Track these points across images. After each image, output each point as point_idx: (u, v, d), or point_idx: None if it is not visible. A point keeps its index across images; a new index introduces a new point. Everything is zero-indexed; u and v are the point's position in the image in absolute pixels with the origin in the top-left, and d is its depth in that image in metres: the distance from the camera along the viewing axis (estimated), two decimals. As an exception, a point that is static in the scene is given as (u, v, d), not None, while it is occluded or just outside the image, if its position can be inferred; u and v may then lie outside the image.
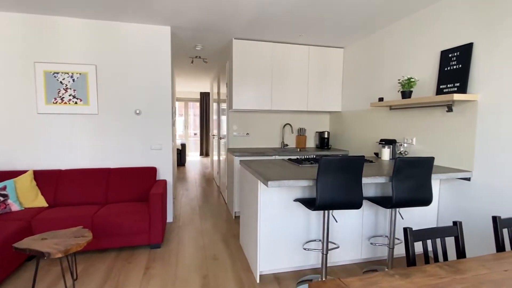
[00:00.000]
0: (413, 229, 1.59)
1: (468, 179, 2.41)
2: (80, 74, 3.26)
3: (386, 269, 2.47)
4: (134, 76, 3.43)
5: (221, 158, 5.34)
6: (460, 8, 2.46)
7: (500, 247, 1.49)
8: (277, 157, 3.81)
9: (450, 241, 2.44)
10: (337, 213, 2.55)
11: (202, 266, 2.61)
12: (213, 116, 6.92)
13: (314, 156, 3.67)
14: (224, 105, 4.95)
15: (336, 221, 2.53)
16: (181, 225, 3.64)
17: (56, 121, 3.26)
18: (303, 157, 3.37)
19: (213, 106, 6.94)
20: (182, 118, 10.61)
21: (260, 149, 4.15)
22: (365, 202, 2.61)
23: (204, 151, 10.50)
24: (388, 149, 3.10)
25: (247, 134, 4.46)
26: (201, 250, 2.95)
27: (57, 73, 3.20)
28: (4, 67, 3.08)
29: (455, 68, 2.47)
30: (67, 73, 3.23)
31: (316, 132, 4.66)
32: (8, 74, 3.10)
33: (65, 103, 3.25)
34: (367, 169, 2.45)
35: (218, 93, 5.86)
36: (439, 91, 2.60)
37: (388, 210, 2.67)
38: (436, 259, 1.41)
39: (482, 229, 2.32)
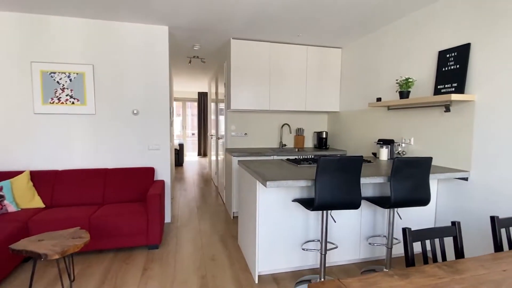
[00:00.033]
0: (412, 229, 1.60)
1: (466, 179, 2.42)
2: (77, 74, 3.24)
3: (385, 269, 2.48)
4: (131, 76, 3.41)
5: (219, 158, 5.33)
6: (458, 9, 2.47)
7: (498, 247, 1.50)
8: (275, 157, 3.81)
9: (448, 241, 2.44)
10: (335, 213, 2.55)
11: (200, 267, 2.61)
12: (211, 116, 6.90)
13: (313, 156, 3.68)
14: (222, 105, 4.94)
15: (335, 221, 2.54)
16: (179, 226, 3.63)
17: (53, 121, 3.24)
18: (301, 157, 3.37)
19: (211, 106, 6.92)
20: (180, 118, 10.58)
21: (258, 149, 4.14)
22: (363, 202, 2.62)
23: (202, 151, 10.48)
24: (386, 149, 3.11)
25: (245, 134, 4.45)
26: (199, 250, 2.94)
27: (54, 73, 3.18)
28: (0, 67, 3.06)
29: (453, 69, 2.48)
30: (64, 73, 3.21)
31: (314, 132, 4.67)
32: (4, 74, 3.07)
33: (62, 103, 3.22)
34: (365, 169, 2.46)
35: (216, 93, 5.85)
36: (437, 91, 2.61)
37: (386, 210, 2.67)
38: (435, 259, 1.41)
39: (479, 228, 2.33)
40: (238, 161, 2.86)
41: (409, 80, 2.78)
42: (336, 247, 2.37)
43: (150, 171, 3.42)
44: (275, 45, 4.00)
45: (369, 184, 2.61)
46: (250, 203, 2.53)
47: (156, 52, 3.46)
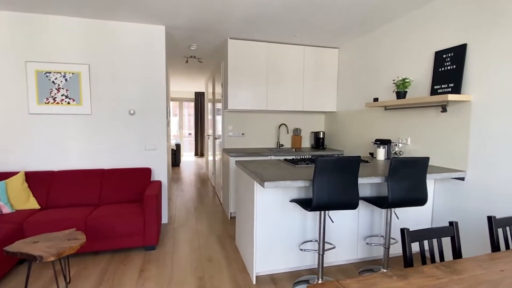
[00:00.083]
0: (409, 229, 1.60)
1: (462, 178, 2.43)
2: (73, 73, 3.21)
3: (382, 269, 2.48)
4: (128, 76, 3.39)
5: (216, 159, 5.32)
6: (454, 9, 2.49)
7: (495, 247, 1.50)
8: (273, 158, 3.80)
9: (445, 241, 2.45)
10: (333, 213, 2.55)
11: (198, 268, 2.59)
12: (208, 116, 6.88)
13: (310, 157, 3.68)
14: (219, 105, 4.92)
15: (332, 222, 2.54)
16: (176, 226, 3.61)
17: (48, 121, 3.20)
18: (298, 157, 3.37)
19: (208, 106, 6.90)
20: (176, 118, 10.55)
21: (255, 149, 4.14)
22: (361, 202, 2.62)
23: (199, 152, 10.45)
24: (383, 149, 3.12)
25: (243, 134, 4.44)
26: (197, 251, 2.93)
27: (49, 72, 3.14)
28: (-6, 67, 3.02)
29: (449, 69, 2.49)
30: (60, 73, 3.17)
31: (311, 132, 4.67)
32: (-2, 74, 3.04)
33: (58, 103, 3.19)
34: (362, 169, 2.46)
35: (213, 93, 5.84)
36: (433, 92, 2.62)
37: (384, 210, 2.68)
38: (432, 260, 1.41)
39: (476, 228, 2.34)
40: (236, 161, 2.85)
41: (406, 80, 2.79)
42: (333, 247, 2.37)
43: (146, 171, 3.40)
44: (272, 45, 4.00)
45: (367, 184, 2.61)
46: (247, 203, 2.52)
47: (152, 52, 3.44)
